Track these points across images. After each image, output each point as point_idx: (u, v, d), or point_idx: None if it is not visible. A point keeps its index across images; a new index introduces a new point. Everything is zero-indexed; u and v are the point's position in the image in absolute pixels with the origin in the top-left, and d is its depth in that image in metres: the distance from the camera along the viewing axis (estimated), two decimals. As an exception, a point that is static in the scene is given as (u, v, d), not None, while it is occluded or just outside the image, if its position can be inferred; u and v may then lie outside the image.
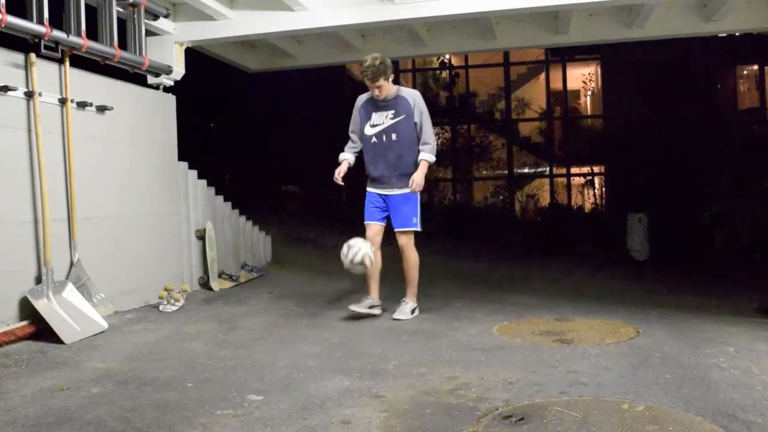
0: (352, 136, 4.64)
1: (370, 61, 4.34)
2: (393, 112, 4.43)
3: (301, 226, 9.28)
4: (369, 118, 4.49)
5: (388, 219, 4.57)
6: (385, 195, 4.53)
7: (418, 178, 4.40)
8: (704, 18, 6.30)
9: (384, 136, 4.44)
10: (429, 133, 4.47)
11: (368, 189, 4.61)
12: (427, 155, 4.44)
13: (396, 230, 4.52)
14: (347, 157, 4.63)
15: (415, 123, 4.43)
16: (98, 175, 4.58)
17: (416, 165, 4.44)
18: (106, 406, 2.62)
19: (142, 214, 5.01)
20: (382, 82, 4.34)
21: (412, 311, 4.52)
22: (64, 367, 3.21)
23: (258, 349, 3.62)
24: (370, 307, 4.49)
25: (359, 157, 4.65)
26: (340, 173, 4.57)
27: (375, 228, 4.54)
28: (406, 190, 4.45)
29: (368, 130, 4.49)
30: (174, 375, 3.08)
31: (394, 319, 4.40)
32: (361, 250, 4.19)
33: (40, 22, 3.97)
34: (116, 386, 2.90)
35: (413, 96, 4.48)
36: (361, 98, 4.61)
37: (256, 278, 6.47)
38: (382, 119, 4.44)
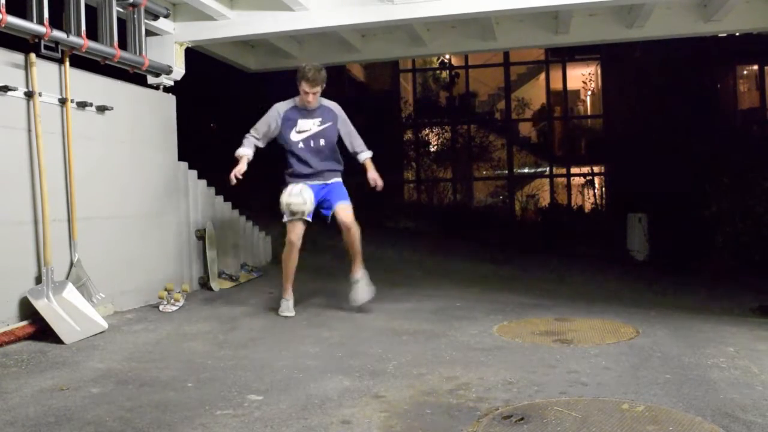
0: (256, 133, 4.70)
1: (315, 67, 4.55)
2: (320, 119, 4.67)
3: (301, 226, 9.26)
4: (295, 124, 4.64)
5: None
6: (322, 184, 4.66)
7: (377, 176, 4.72)
8: (704, 18, 6.30)
9: (312, 141, 4.64)
10: (357, 135, 4.80)
11: (294, 182, 4.63)
12: (367, 153, 4.78)
13: (340, 205, 4.62)
14: (247, 153, 4.66)
15: (341, 132, 4.73)
16: (98, 175, 4.57)
17: (339, 162, 4.75)
18: (106, 406, 2.62)
19: (142, 214, 5.01)
20: (318, 89, 4.57)
21: (368, 282, 4.69)
22: (64, 367, 3.21)
23: (258, 349, 3.62)
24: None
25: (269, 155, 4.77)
26: (239, 172, 4.59)
27: (300, 226, 4.58)
28: (338, 179, 4.73)
29: (294, 136, 4.63)
30: (174, 375, 3.09)
31: (359, 305, 4.63)
32: (303, 192, 4.40)
33: (40, 22, 3.97)
34: (116, 386, 2.91)
35: (337, 108, 4.78)
36: (282, 107, 4.67)
37: (256, 278, 6.47)
38: (309, 126, 4.64)
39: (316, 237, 9.07)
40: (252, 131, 4.73)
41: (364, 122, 4.82)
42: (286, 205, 4.46)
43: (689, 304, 5.30)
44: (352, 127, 4.79)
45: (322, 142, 4.64)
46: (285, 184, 4.65)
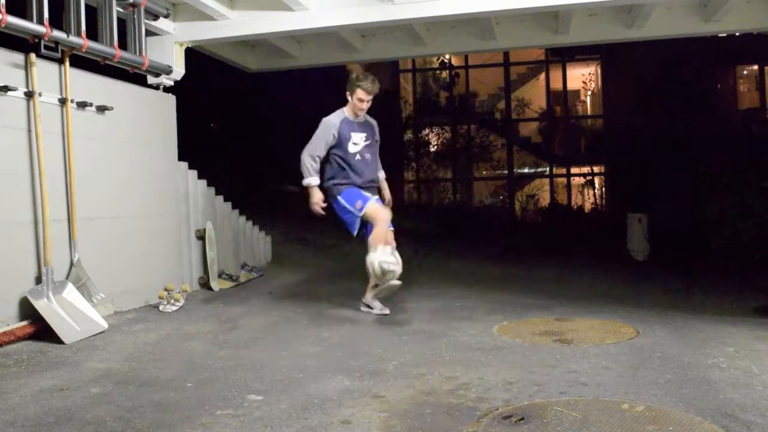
0: (316, 158, 4.57)
1: (369, 76, 4.60)
2: (365, 135, 4.68)
3: (301, 226, 9.28)
4: (350, 137, 4.61)
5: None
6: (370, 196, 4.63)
7: (390, 196, 4.89)
8: (704, 18, 6.30)
9: (366, 155, 4.67)
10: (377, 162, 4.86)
11: (349, 187, 4.60)
12: (382, 174, 4.89)
13: (391, 230, 4.63)
14: (316, 182, 4.58)
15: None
16: (98, 175, 4.57)
17: (378, 175, 4.83)
18: (106, 406, 2.62)
19: (142, 214, 5.01)
20: (371, 97, 4.59)
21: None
22: (64, 367, 3.21)
23: (258, 349, 3.62)
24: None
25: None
26: (320, 201, 4.57)
27: (379, 204, 4.61)
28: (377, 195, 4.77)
29: (352, 148, 4.62)
30: (174, 375, 3.09)
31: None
32: (392, 265, 4.29)
33: (40, 22, 3.97)
34: (116, 386, 2.91)
35: (376, 125, 4.81)
36: (335, 121, 4.60)
37: (256, 278, 6.47)
38: (359, 140, 4.66)
39: (317, 239, 9.10)
40: (308, 157, 4.55)
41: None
42: (379, 269, 4.26)
43: (689, 304, 5.30)
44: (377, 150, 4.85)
45: (368, 155, 4.67)
46: (332, 194, 4.59)
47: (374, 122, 4.82)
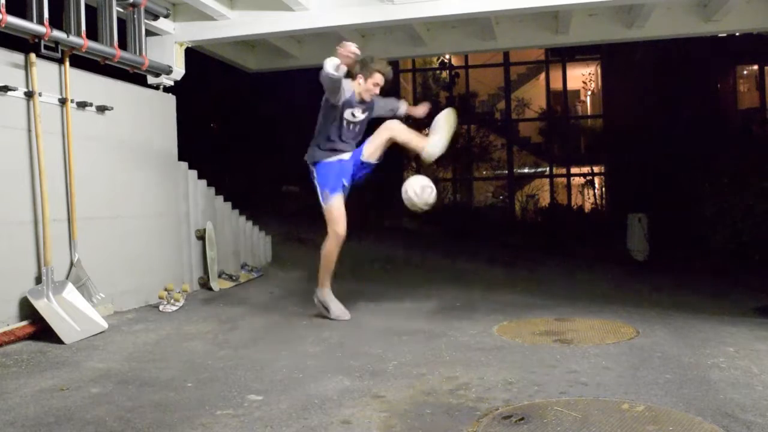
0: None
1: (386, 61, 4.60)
2: (363, 107, 4.58)
3: (301, 226, 9.28)
4: (351, 107, 4.51)
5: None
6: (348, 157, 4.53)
7: (417, 110, 4.83)
8: (704, 18, 6.30)
9: (352, 126, 4.58)
10: (388, 100, 4.79)
11: (331, 160, 4.48)
12: (404, 106, 4.85)
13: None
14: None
15: (380, 111, 4.72)
16: (98, 175, 4.58)
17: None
18: (106, 406, 2.62)
19: (142, 214, 5.01)
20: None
21: None
22: (64, 367, 3.21)
23: (258, 349, 3.62)
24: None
25: None
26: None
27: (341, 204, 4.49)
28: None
29: (348, 116, 4.49)
30: (174, 375, 3.09)
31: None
32: (427, 188, 4.30)
33: (40, 22, 3.98)
34: (116, 386, 2.91)
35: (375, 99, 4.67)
36: (348, 86, 4.47)
37: (256, 278, 6.47)
38: (358, 114, 4.57)
39: (316, 239, 9.10)
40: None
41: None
42: (417, 202, 4.29)
43: (689, 304, 5.30)
44: (385, 99, 4.74)
45: (357, 128, 4.61)
46: (312, 159, 4.51)
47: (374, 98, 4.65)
